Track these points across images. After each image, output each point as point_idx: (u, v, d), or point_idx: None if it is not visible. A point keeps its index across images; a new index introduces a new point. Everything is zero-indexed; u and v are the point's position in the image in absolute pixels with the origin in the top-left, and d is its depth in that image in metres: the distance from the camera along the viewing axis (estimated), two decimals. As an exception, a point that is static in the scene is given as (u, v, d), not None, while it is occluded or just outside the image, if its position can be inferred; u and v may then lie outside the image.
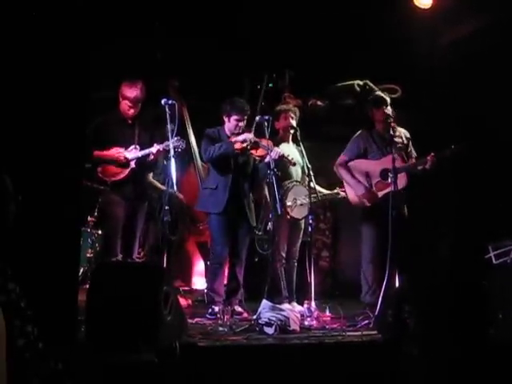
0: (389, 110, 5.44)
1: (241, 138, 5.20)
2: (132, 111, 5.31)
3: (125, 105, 5.30)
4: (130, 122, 5.37)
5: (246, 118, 5.33)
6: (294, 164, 5.45)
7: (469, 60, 6.21)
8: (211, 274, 5.40)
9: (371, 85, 6.79)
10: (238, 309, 5.27)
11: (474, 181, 6.12)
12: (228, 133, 5.35)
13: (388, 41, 6.36)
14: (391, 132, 5.31)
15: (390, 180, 5.16)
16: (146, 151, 5.23)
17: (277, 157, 5.18)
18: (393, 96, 5.81)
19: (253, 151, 5.22)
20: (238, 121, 5.29)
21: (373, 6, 6.07)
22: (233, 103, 5.34)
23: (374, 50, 6.42)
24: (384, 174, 5.33)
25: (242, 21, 6.22)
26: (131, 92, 5.25)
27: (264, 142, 5.23)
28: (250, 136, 5.22)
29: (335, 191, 5.91)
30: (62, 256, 3.57)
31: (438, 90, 6.52)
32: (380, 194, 5.38)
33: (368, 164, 5.47)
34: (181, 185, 5.82)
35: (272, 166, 5.06)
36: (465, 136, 5.47)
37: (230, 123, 5.33)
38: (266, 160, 5.15)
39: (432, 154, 5.24)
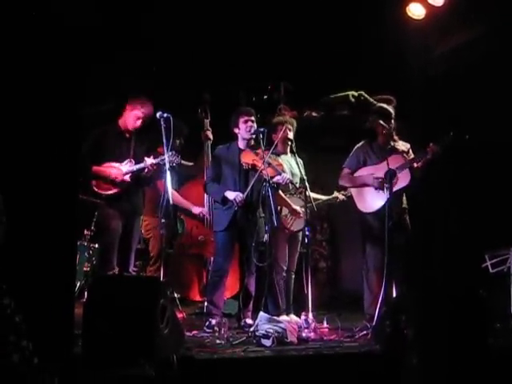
0: (393, 123, 5.36)
1: (238, 198, 5.17)
2: (139, 123, 5.32)
3: (134, 116, 5.30)
4: (127, 135, 5.38)
5: (253, 117, 5.32)
6: (298, 188, 5.45)
7: (463, 69, 6.23)
8: (211, 287, 5.36)
9: (366, 96, 6.80)
10: (249, 321, 5.20)
11: (470, 190, 6.11)
12: (241, 145, 5.34)
13: (382, 51, 6.39)
14: (392, 143, 5.30)
15: (396, 177, 5.12)
16: (141, 165, 5.23)
17: (284, 182, 5.24)
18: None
19: (264, 171, 5.12)
20: (247, 121, 5.29)
21: (366, 16, 6.11)
22: (235, 111, 5.42)
23: (368, 61, 6.45)
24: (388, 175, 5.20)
25: (236, 33, 6.24)
26: (147, 109, 5.29)
27: (275, 163, 5.25)
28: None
29: (334, 195, 5.92)
30: (58, 270, 3.56)
31: (433, 99, 6.53)
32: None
33: (370, 170, 5.37)
34: (189, 195, 6.26)
35: (268, 178, 5.06)
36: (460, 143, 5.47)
37: (242, 130, 5.32)
38: (260, 168, 5.12)
39: (431, 143, 5.17)
